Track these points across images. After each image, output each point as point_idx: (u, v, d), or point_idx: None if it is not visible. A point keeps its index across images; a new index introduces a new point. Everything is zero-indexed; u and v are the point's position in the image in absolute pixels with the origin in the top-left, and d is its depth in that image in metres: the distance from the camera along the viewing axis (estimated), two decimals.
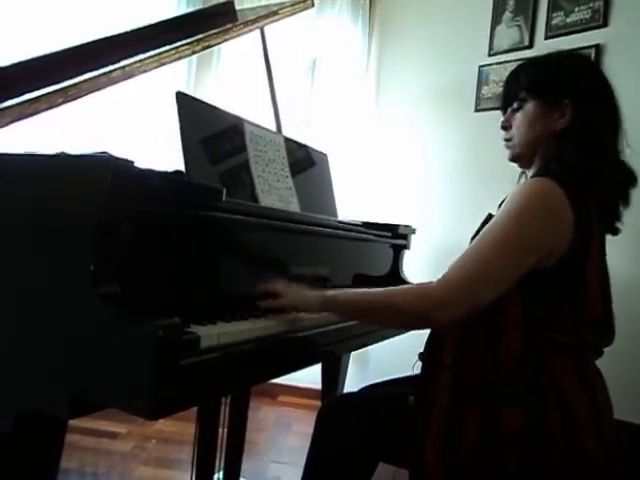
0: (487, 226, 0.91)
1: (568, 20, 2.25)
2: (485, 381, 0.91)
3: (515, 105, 1.05)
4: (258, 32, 1.60)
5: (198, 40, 1.31)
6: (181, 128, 1.10)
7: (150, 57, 1.17)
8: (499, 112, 1.13)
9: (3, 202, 0.81)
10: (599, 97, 0.99)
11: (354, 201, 2.70)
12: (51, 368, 0.73)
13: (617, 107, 0.99)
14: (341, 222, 1.48)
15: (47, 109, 0.97)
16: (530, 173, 1.04)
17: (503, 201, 0.96)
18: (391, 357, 2.01)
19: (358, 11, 2.86)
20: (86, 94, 1.04)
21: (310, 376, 1.85)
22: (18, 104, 0.94)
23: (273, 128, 1.57)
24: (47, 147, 0.81)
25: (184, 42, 1.27)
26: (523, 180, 1.10)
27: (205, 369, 0.75)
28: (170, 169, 0.94)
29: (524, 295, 0.90)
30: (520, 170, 1.13)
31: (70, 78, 1.03)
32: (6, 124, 0.93)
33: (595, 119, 0.97)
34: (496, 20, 2.52)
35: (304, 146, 1.55)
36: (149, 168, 0.81)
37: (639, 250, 1.97)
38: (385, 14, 2.93)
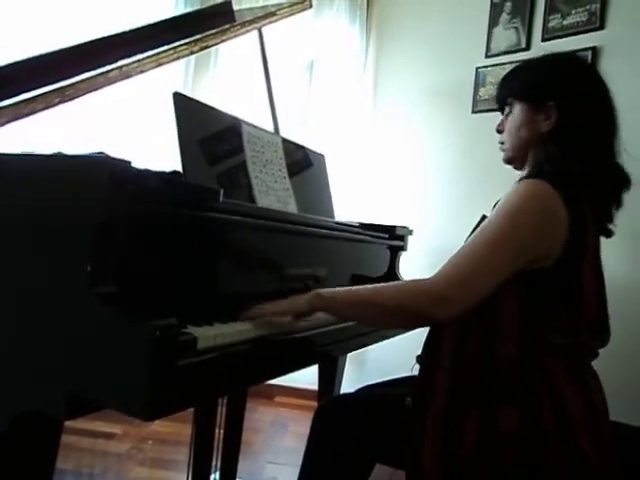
0: (482, 225, 0.91)
1: (565, 22, 2.26)
2: (482, 383, 0.91)
3: (506, 110, 1.07)
4: (256, 33, 1.60)
5: (196, 40, 1.31)
6: (178, 129, 1.10)
7: (148, 57, 1.17)
8: (496, 114, 1.14)
9: (0, 202, 0.81)
10: (586, 98, 0.99)
11: (351, 202, 2.70)
12: (48, 368, 0.72)
13: (609, 107, 0.99)
14: (338, 223, 1.48)
15: (44, 109, 0.97)
16: (522, 175, 1.05)
17: (497, 202, 0.97)
18: (388, 358, 2.01)
19: (356, 12, 2.87)
20: (83, 94, 1.03)
21: (307, 377, 1.85)
22: (15, 104, 0.94)
23: (271, 129, 1.57)
24: (44, 147, 0.81)
25: (182, 42, 1.27)
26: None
27: (202, 370, 0.75)
28: (167, 169, 0.94)
29: (520, 296, 0.90)
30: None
31: (67, 78, 1.02)
32: (3, 124, 0.93)
33: (582, 120, 0.97)
34: (493, 22, 2.53)
35: (301, 147, 1.55)
36: (146, 168, 0.81)
37: (636, 252, 1.97)
38: (382, 15, 2.94)
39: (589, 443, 0.87)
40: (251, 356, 0.88)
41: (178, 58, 1.25)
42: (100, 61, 1.11)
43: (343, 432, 1.04)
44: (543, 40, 2.33)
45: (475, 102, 2.56)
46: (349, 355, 1.74)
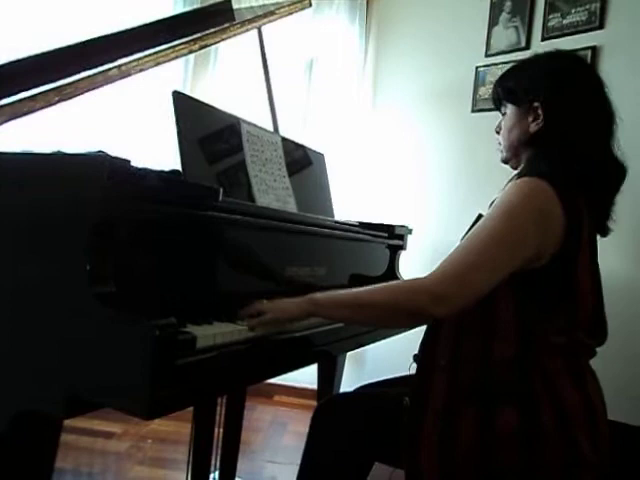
0: (479, 223, 0.92)
1: (565, 22, 2.26)
2: (479, 382, 0.91)
3: (502, 112, 1.10)
4: (255, 32, 1.60)
5: (195, 39, 1.30)
6: (178, 127, 1.10)
7: (147, 56, 1.17)
8: (496, 113, 1.15)
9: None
10: (573, 96, 0.99)
11: (351, 201, 2.70)
12: (47, 368, 0.72)
13: (602, 105, 0.98)
14: (338, 222, 1.48)
15: (43, 108, 0.97)
16: (516, 174, 1.05)
17: (493, 201, 0.97)
18: (387, 357, 2.01)
19: (355, 11, 2.87)
20: (82, 93, 1.03)
21: (306, 376, 1.85)
22: (13, 102, 0.94)
23: (270, 128, 1.57)
24: (43, 146, 0.80)
25: (181, 41, 1.27)
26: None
27: (201, 369, 0.75)
28: (167, 168, 0.94)
29: (516, 296, 0.90)
30: None
31: (66, 77, 1.02)
32: (2, 123, 0.93)
33: (568, 119, 0.97)
34: (493, 21, 2.53)
35: (301, 146, 1.55)
36: (145, 167, 0.81)
37: (636, 251, 1.97)
38: (382, 14, 2.93)
39: (587, 442, 0.87)
40: (250, 355, 0.88)
41: (177, 57, 1.25)
42: (99, 60, 1.11)
43: (342, 431, 1.04)
44: (543, 39, 2.32)
45: (475, 101, 2.55)
46: (348, 355, 1.74)
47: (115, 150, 0.73)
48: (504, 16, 2.49)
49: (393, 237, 1.65)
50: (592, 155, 0.96)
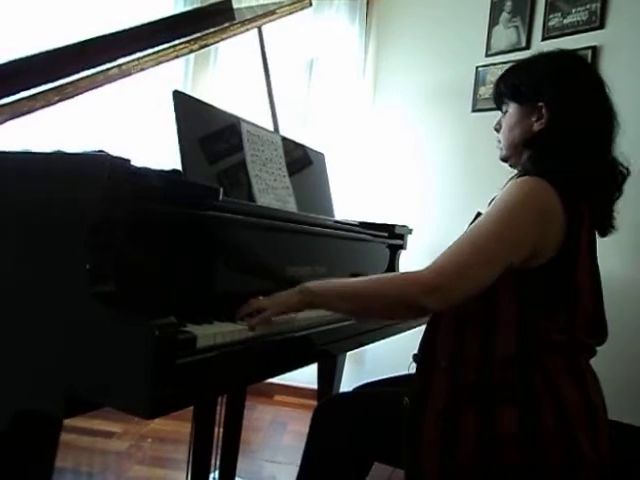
0: (478, 219, 0.92)
1: (565, 21, 2.26)
2: (480, 382, 0.91)
3: (503, 109, 1.09)
4: (256, 31, 1.60)
5: (195, 39, 1.31)
6: (178, 127, 1.09)
7: (147, 55, 1.17)
8: (496, 112, 1.15)
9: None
10: (578, 98, 0.99)
11: (351, 201, 2.70)
12: (47, 367, 0.72)
13: (605, 107, 0.98)
14: (338, 222, 1.48)
15: (43, 107, 0.97)
16: (518, 172, 1.05)
17: (493, 199, 0.97)
18: (387, 357, 2.02)
19: (355, 11, 2.87)
20: (83, 92, 1.03)
21: (306, 376, 1.85)
22: (14, 102, 0.94)
23: (270, 127, 1.57)
24: (43, 146, 0.80)
25: (181, 41, 1.27)
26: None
27: (201, 368, 0.75)
28: (167, 168, 0.94)
29: (517, 295, 0.90)
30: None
31: (67, 76, 1.02)
32: (2, 122, 0.93)
33: (572, 119, 0.97)
34: (493, 21, 2.53)
35: (301, 145, 1.55)
36: (146, 167, 0.81)
37: (637, 252, 1.97)
38: (382, 14, 2.93)
39: (588, 442, 0.87)
40: (250, 355, 0.88)
41: (178, 56, 1.25)
42: (100, 59, 1.11)
43: (342, 431, 1.04)
44: (543, 39, 2.33)
45: (475, 101, 2.55)
46: (347, 354, 1.74)
47: (115, 150, 0.73)
48: (504, 16, 2.49)
49: (393, 237, 1.65)
50: (594, 156, 0.96)
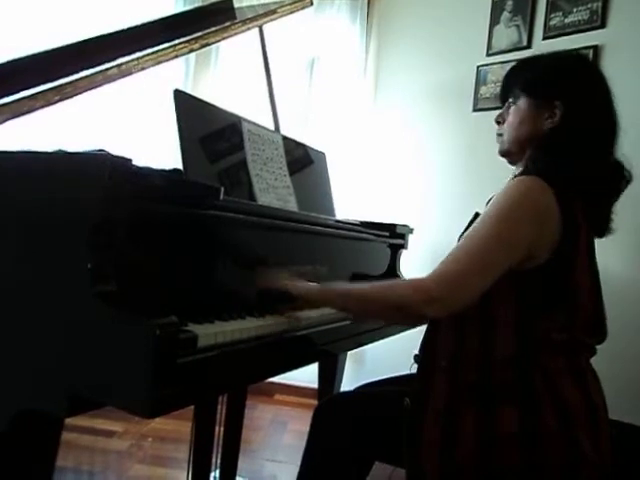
0: (476, 222, 0.91)
1: (566, 21, 2.25)
2: (480, 382, 0.91)
3: (510, 100, 1.06)
4: (257, 30, 1.59)
5: (196, 38, 1.30)
6: (179, 126, 1.09)
7: (148, 55, 1.17)
8: (497, 112, 1.14)
9: (0, 200, 0.81)
10: (592, 101, 0.99)
11: (352, 200, 2.70)
12: (48, 367, 0.72)
13: (612, 111, 0.98)
14: (339, 221, 1.48)
15: (43, 107, 0.97)
16: (517, 171, 1.05)
17: (490, 199, 0.97)
18: (387, 357, 2.02)
19: (356, 10, 2.86)
20: (83, 92, 1.03)
21: (306, 375, 1.85)
22: (14, 102, 0.94)
23: (271, 127, 1.57)
24: (44, 145, 0.80)
25: (182, 40, 1.27)
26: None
27: (202, 368, 0.75)
28: (168, 167, 0.94)
29: (516, 295, 0.90)
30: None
31: (67, 75, 1.02)
32: (2, 122, 0.93)
33: (586, 122, 0.97)
34: (494, 20, 2.52)
35: (302, 145, 1.55)
36: (147, 166, 0.81)
37: (637, 251, 1.97)
38: (383, 13, 2.93)
39: (588, 441, 0.87)
40: (251, 354, 0.88)
41: (178, 56, 1.25)
42: (100, 59, 1.11)
43: (343, 430, 1.04)
44: (544, 38, 2.32)
45: (476, 100, 2.55)
46: (348, 354, 1.74)
47: (116, 149, 0.73)
48: (505, 15, 2.48)
49: (394, 236, 1.65)
50: (597, 157, 0.96)
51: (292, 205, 1.37)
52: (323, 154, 1.64)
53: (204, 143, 1.16)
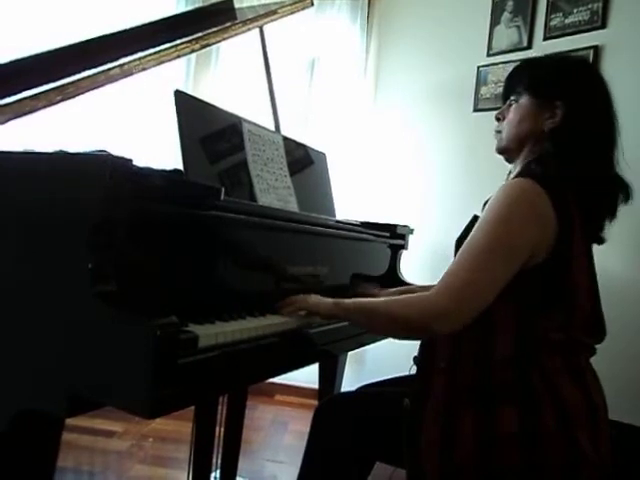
0: (475, 230, 0.91)
1: (567, 21, 2.25)
2: (479, 383, 0.91)
3: (512, 98, 1.07)
4: (257, 31, 1.60)
5: (197, 38, 1.31)
6: (179, 127, 1.10)
7: (149, 55, 1.17)
8: None
9: (0, 200, 0.81)
10: (593, 103, 0.99)
11: (352, 201, 2.70)
12: (49, 367, 0.72)
13: (612, 115, 0.99)
14: (339, 222, 1.48)
15: (45, 107, 0.97)
16: (514, 172, 1.05)
17: (487, 201, 0.97)
18: (387, 357, 2.01)
19: (357, 10, 2.87)
20: (84, 92, 1.03)
21: (307, 375, 1.85)
22: (16, 102, 0.94)
23: (272, 127, 1.57)
24: (45, 145, 0.80)
25: (183, 40, 1.27)
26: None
27: (203, 368, 0.76)
28: (168, 168, 0.94)
29: (514, 295, 0.90)
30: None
31: (68, 76, 1.02)
32: (4, 122, 0.93)
33: (586, 124, 0.97)
34: (495, 21, 2.52)
35: (303, 145, 1.55)
36: (147, 167, 0.81)
37: (637, 251, 1.97)
38: (384, 14, 2.93)
39: (588, 441, 0.87)
40: (252, 354, 0.89)
41: (179, 56, 1.25)
42: (101, 59, 1.11)
43: (343, 430, 1.04)
44: (545, 39, 2.32)
45: (476, 101, 2.55)
46: (348, 354, 1.74)
47: (117, 149, 0.73)
48: (506, 16, 2.48)
49: (395, 237, 1.65)
50: (595, 163, 0.96)
51: (293, 206, 1.37)
52: (323, 154, 1.64)
53: (204, 143, 1.16)
